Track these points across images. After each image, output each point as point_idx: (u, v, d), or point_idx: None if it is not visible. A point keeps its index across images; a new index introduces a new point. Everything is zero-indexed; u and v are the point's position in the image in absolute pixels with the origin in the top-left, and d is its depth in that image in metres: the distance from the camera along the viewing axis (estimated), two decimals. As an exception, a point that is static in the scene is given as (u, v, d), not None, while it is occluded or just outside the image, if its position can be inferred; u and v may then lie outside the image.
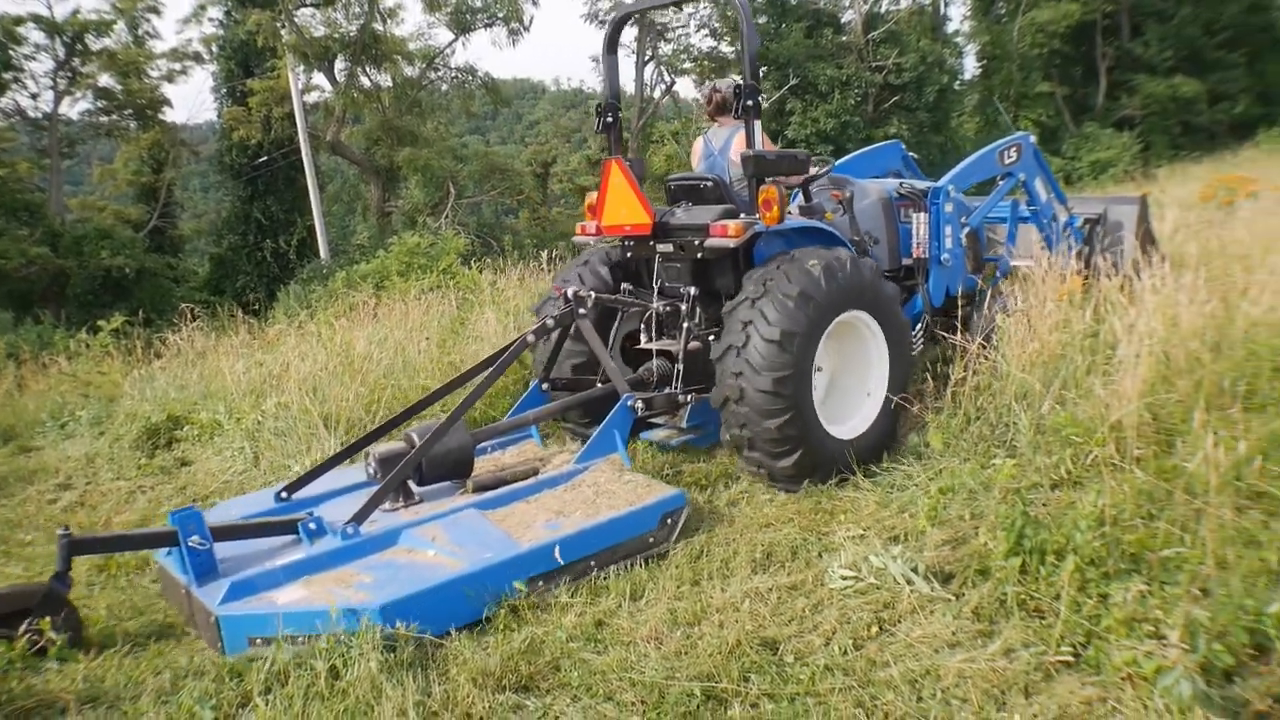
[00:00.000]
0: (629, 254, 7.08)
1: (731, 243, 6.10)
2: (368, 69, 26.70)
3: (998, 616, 3.97)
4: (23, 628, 4.27)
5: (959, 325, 6.65)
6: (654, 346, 6.74)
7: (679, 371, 6.54)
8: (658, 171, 29.46)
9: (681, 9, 31.83)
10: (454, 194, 24.97)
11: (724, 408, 5.99)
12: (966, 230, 7.73)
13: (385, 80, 27.43)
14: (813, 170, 7.04)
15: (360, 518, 5.07)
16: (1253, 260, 7.93)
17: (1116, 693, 3.41)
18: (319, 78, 26.71)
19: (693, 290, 6.61)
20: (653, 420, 7.06)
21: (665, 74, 32.69)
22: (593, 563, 4.92)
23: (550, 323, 6.40)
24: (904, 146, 9.22)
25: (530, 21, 27.42)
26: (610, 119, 7.09)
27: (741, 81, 6.49)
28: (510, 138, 70.24)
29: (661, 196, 7.19)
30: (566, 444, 6.81)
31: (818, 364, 6.08)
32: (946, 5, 37.57)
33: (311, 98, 27.84)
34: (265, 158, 27.96)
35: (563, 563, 4.78)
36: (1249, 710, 3.21)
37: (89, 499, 7.31)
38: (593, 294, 6.55)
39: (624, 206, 6.72)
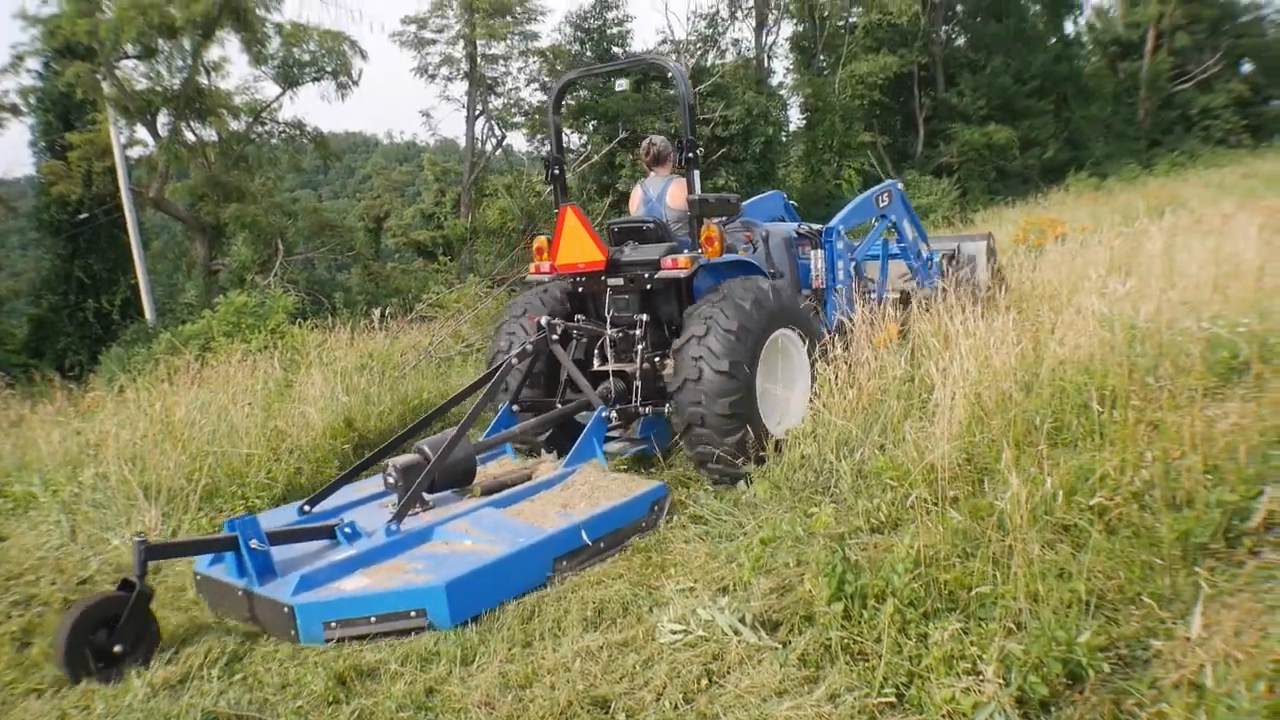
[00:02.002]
0: (580, 289, 7.91)
1: (682, 274, 7.15)
2: (192, 123, 26.00)
3: (823, 662, 4.01)
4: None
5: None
6: (610, 368, 7.57)
7: (637, 388, 7.39)
8: (492, 224, 29.36)
9: (509, 64, 32.02)
10: (282, 251, 24.41)
11: (687, 432, 6.84)
12: (854, 264, 9.02)
13: (210, 134, 26.79)
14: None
15: (400, 517, 5.76)
16: (1060, 300, 8.32)
17: (938, 731, 3.47)
18: (142, 132, 25.84)
19: (644, 317, 7.44)
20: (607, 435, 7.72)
21: (496, 128, 32.66)
22: (602, 544, 5.74)
23: (529, 348, 7.41)
24: (785, 196, 10.22)
25: (359, 75, 27.16)
26: (557, 171, 8.02)
27: (667, 137, 8.12)
28: (343, 192, 69.29)
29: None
30: (541, 457, 7.34)
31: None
32: (770, 59, 38.31)
33: (134, 152, 26.95)
34: (86, 214, 26.92)
35: (589, 541, 5.61)
36: (1063, 740, 3.32)
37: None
38: (560, 322, 7.57)
39: (578, 247, 7.56)
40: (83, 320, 27.70)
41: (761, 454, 6.69)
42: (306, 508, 6.21)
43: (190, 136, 26.04)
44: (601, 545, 5.73)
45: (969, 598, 4.00)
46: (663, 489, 6.32)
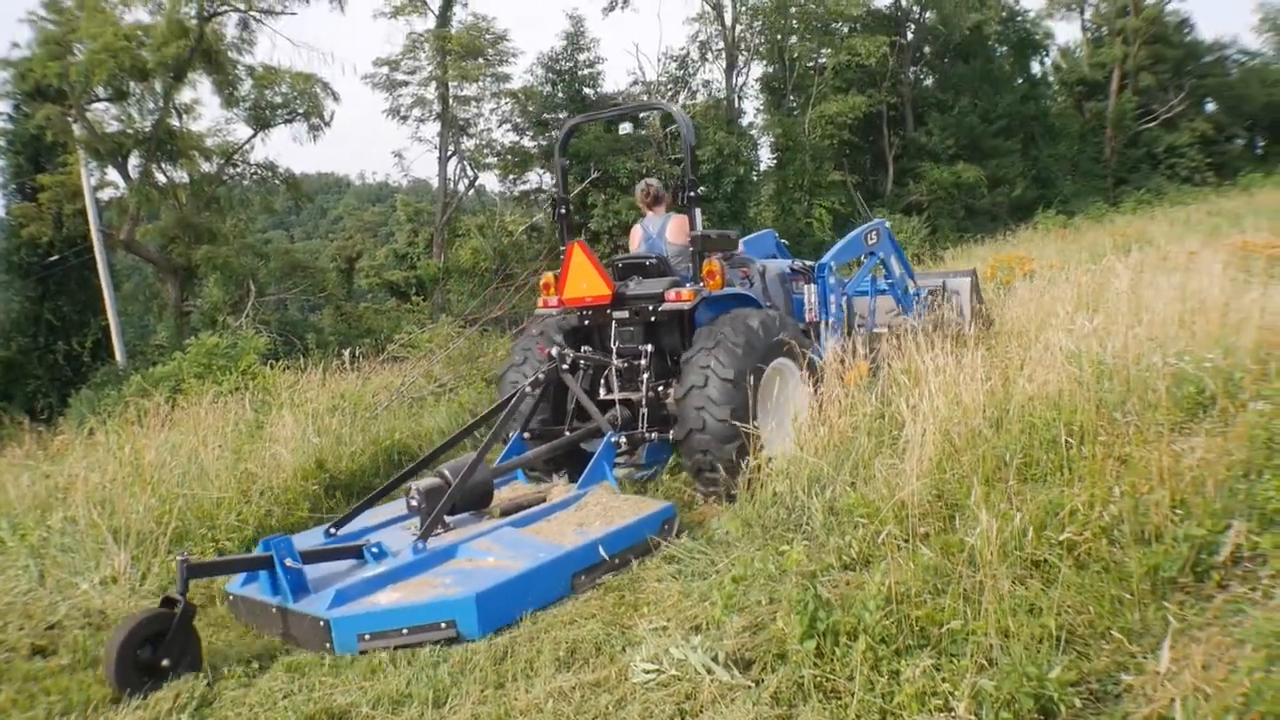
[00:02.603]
0: (586, 321, 8.28)
1: (686, 305, 7.54)
2: (163, 165, 25.98)
3: (796, 700, 3.99)
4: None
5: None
6: (616, 396, 7.96)
7: (644, 415, 7.74)
8: (465, 264, 29.36)
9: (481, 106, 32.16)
10: (254, 292, 24.32)
11: (687, 439, 7.14)
12: (845, 299, 9.41)
13: (182, 176, 26.75)
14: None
15: (425, 536, 6.05)
16: (1028, 337, 8.38)
17: (911, 769, 3.46)
18: (113, 174, 25.82)
19: (648, 348, 7.78)
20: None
21: (469, 169, 32.73)
22: (616, 560, 6.03)
23: (541, 377, 7.69)
24: (776, 235, 10.77)
25: (331, 116, 27.22)
26: (563, 211, 8.59)
27: (657, 179, 8.60)
28: (315, 233, 69.26)
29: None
30: (552, 481, 7.73)
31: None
32: (740, 99, 38.43)
33: (105, 194, 26.89)
34: (57, 256, 26.79)
35: (606, 557, 5.93)
36: (1036, 777, 3.31)
37: None
38: (570, 353, 7.87)
39: (585, 281, 7.91)
40: (53, 363, 27.51)
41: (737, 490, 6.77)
42: (333, 530, 6.51)
43: (161, 178, 26.05)
44: (616, 561, 6.03)
45: (940, 634, 4.01)
46: (671, 509, 6.61)
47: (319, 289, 27.78)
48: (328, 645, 5.23)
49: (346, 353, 12.78)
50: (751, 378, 7.07)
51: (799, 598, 4.18)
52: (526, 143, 33.12)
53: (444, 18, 30.58)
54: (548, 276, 8.39)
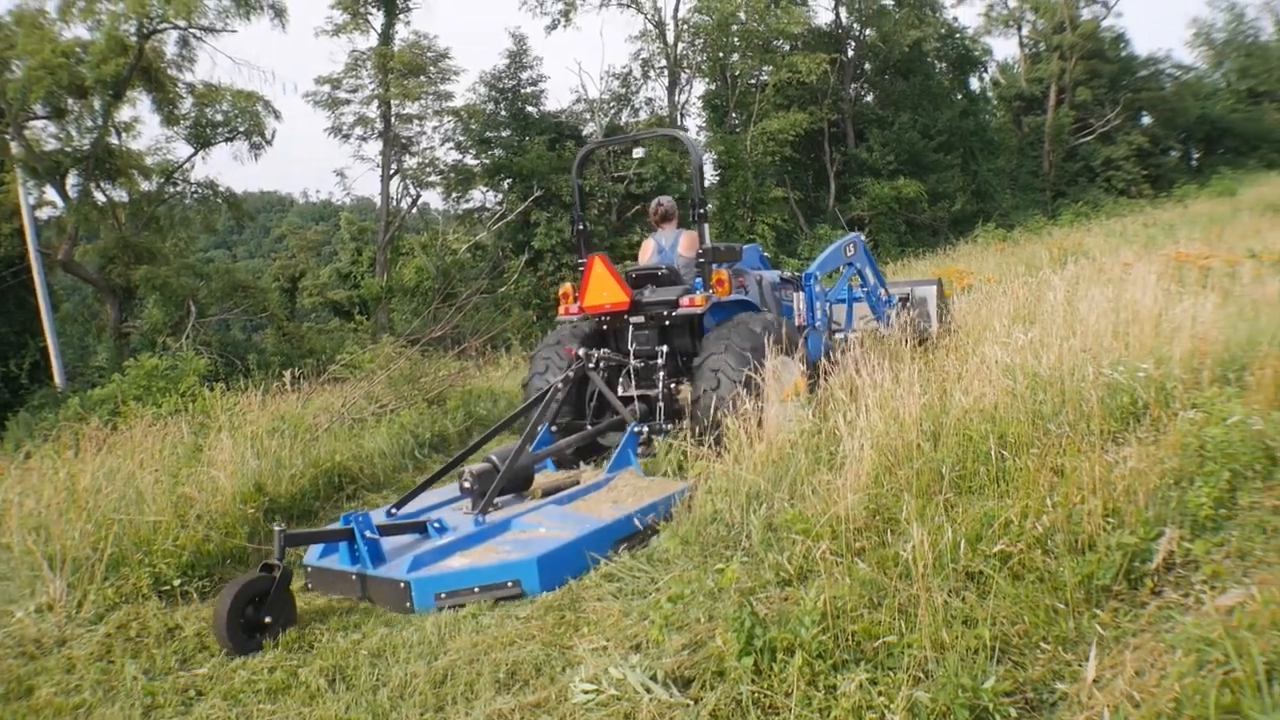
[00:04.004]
0: (605, 326, 9.23)
1: (699, 310, 8.48)
2: (102, 184, 25.66)
3: (735, 717, 3.97)
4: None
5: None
6: (634, 393, 8.89)
7: (661, 409, 8.69)
8: (408, 283, 29.20)
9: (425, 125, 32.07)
10: (194, 313, 24.04)
11: (701, 399, 8.00)
12: (828, 305, 10.36)
13: (121, 195, 26.44)
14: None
15: (484, 511, 6.87)
16: (965, 350, 8.47)
17: (847, 783, 3.47)
18: (51, 192, 25.45)
19: (664, 349, 8.76)
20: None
21: (411, 187, 32.55)
22: (649, 531, 6.65)
23: (570, 375, 8.50)
24: (760, 248, 11.36)
25: (272, 135, 27.05)
26: (580, 228, 9.69)
27: (666, 198, 9.82)
28: (258, 252, 68.72)
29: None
30: (580, 468, 8.57)
31: None
32: (683, 116, 38.51)
33: (43, 213, 26.50)
34: (-7, 278, 26.40)
35: (640, 528, 6.62)
36: (974, 789, 3.33)
37: None
38: (595, 353, 8.72)
39: (605, 290, 8.81)
40: (-11, 386, 27.03)
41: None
42: (394, 510, 7.28)
43: (100, 198, 25.73)
44: (648, 532, 6.65)
45: (876, 648, 4.02)
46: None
47: (261, 309, 27.49)
48: (408, 605, 5.92)
49: (288, 374, 12.65)
50: (760, 363, 7.80)
51: (736, 615, 4.18)
52: (469, 161, 33.04)
53: (386, 36, 30.43)
54: (566, 287, 9.41)
